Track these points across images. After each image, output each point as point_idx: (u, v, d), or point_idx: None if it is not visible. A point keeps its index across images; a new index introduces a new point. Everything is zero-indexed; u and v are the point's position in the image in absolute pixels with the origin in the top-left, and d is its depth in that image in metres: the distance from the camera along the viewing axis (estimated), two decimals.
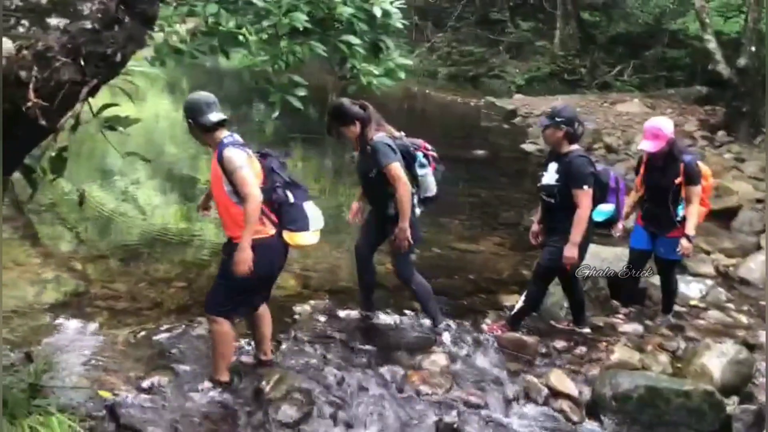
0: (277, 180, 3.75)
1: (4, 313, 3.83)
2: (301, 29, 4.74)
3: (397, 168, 4.39)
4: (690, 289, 6.00)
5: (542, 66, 20.49)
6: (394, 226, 4.49)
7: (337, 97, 4.74)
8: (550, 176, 4.65)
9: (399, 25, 5.32)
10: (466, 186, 9.69)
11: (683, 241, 4.94)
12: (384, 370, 4.25)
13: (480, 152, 11.80)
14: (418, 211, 4.61)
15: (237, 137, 3.69)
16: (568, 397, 4.22)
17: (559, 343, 4.82)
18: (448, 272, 6.35)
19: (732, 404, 4.21)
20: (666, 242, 5.07)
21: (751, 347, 4.82)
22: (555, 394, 4.23)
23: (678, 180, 4.91)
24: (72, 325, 4.58)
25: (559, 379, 4.33)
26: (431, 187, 4.65)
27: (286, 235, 3.76)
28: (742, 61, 12.20)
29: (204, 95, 3.69)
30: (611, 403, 4.09)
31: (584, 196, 4.47)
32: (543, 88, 19.41)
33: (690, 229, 4.92)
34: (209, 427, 3.58)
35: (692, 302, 5.74)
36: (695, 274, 6.43)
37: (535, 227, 5.00)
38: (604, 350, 4.75)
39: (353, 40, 5.02)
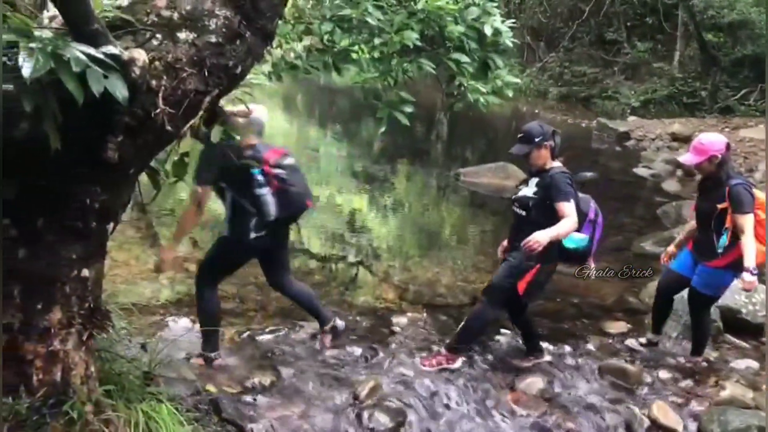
0: None
1: (125, 306, 4.12)
2: (411, 47, 4.84)
3: (571, 207, 4.15)
4: None
5: (659, 88, 19.73)
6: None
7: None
8: (528, 190, 4.38)
9: (509, 44, 5.31)
10: None
11: (745, 275, 4.27)
12: (477, 386, 4.23)
13: (589, 174, 11.51)
14: None
15: None
16: (670, 430, 4.04)
17: (664, 374, 4.62)
18: (551, 294, 6.23)
19: None
20: (703, 271, 4.58)
21: None
22: (657, 426, 4.07)
23: (721, 205, 4.39)
24: (183, 322, 4.84)
25: (663, 412, 4.15)
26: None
27: None
28: None
29: None
30: None
31: (568, 208, 4.13)
32: (660, 110, 18.69)
33: (748, 261, 4.26)
34: (305, 429, 3.69)
35: None
36: None
37: (505, 243, 4.67)
38: (713, 385, 4.51)
39: (462, 58, 5.06)
